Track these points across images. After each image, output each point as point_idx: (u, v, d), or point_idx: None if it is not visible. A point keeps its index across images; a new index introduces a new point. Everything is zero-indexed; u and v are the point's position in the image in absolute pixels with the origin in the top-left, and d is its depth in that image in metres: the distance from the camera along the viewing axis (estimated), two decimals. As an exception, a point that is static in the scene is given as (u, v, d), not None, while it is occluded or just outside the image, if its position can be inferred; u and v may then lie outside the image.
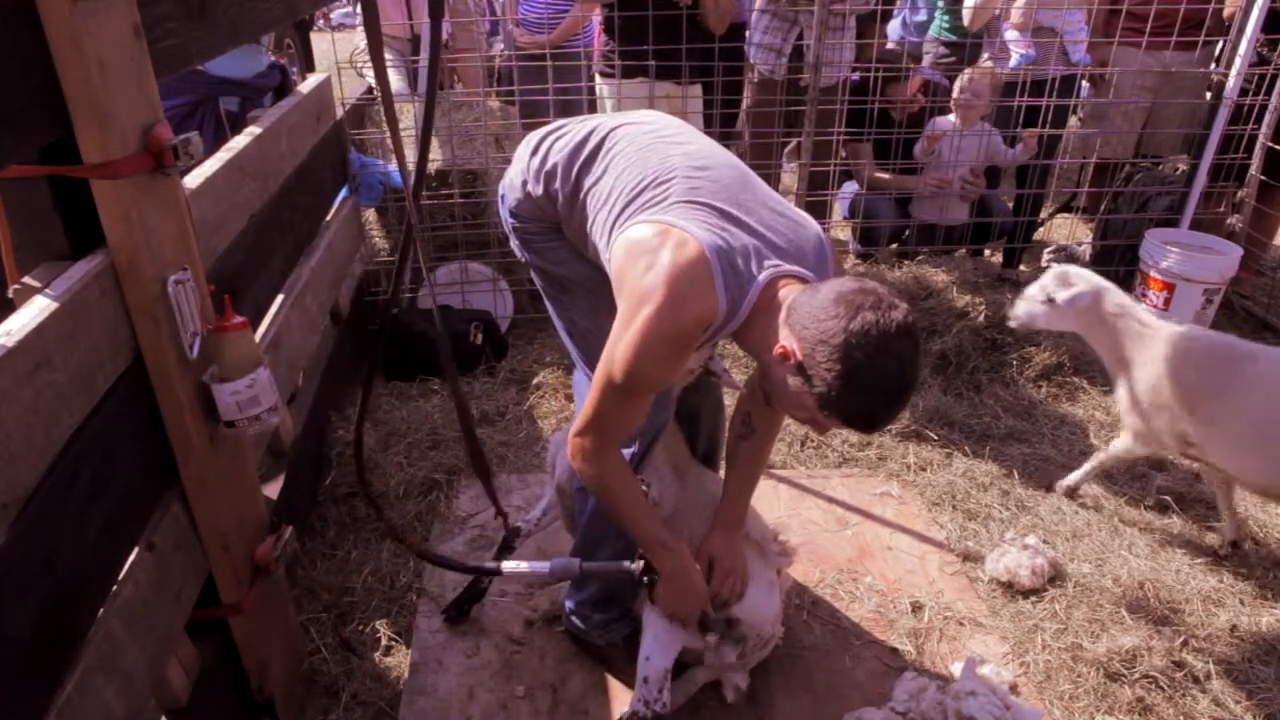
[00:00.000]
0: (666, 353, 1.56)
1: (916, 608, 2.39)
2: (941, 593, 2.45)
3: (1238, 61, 3.81)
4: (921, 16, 5.05)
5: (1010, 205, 4.56)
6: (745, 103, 4.33)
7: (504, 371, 3.60)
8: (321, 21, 8.68)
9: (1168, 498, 2.83)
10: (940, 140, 4.18)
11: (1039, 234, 4.91)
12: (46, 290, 1.23)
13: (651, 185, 1.67)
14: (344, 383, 3.14)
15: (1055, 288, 2.61)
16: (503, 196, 2.02)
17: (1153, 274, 3.77)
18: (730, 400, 2.33)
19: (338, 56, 3.61)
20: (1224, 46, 4.15)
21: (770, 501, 2.81)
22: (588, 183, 1.80)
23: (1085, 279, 2.59)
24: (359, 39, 4.36)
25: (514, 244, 2.05)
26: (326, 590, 2.39)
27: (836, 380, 1.45)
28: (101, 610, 1.32)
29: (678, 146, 1.76)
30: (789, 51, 3.98)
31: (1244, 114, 3.94)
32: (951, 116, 4.29)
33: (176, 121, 2.58)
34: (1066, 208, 5.09)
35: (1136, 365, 2.53)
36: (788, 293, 1.57)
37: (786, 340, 1.52)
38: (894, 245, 4.49)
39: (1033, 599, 2.42)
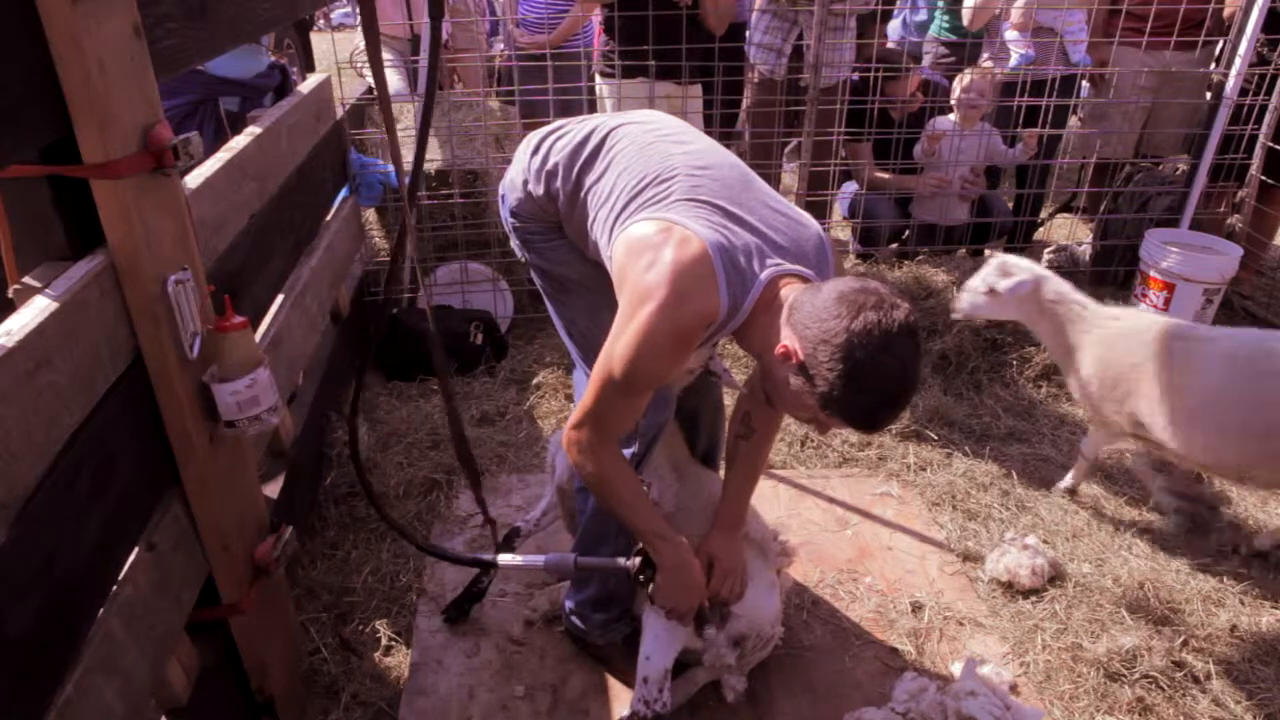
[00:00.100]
0: (667, 350, 1.56)
1: (916, 608, 2.39)
2: (941, 593, 2.45)
3: (1238, 61, 3.80)
4: (921, 16, 5.06)
5: (1010, 205, 4.56)
6: (745, 103, 4.33)
7: (504, 371, 3.60)
8: (321, 21, 8.69)
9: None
10: (940, 140, 4.18)
11: (1039, 234, 4.91)
12: (46, 290, 1.23)
13: (653, 183, 1.67)
14: (344, 383, 3.14)
15: (996, 278, 2.66)
16: (503, 196, 2.02)
17: (1153, 274, 3.77)
18: (730, 400, 2.33)
19: (338, 56, 3.61)
20: (1224, 46, 4.15)
21: (770, 501, 2.81)
22: (589, 181, 1.80)
23: (1025, 268, 2.65)
24: (359, 39, 4.36)
25: (514, 244, 2.05)
26: (326, 590, 2.39)
27: (838, 380, 1.45)
28: (101, 610, 1.32)
29: (679, 146, 1.76)
30: (789, 51, 3.98)
31: (1244, 114, 3.94)
32: (951, 116, 4.30)
33: (176, 121, 2.58)
34: (1066, 208, 5.09)
35: (1080, 350, 2.59)
36: (789, 292, 1.57)
37: (788, 340, 1.52)
38: (894, 245, 4.49)
39: (1033, 599, 2.42)
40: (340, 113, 3.23)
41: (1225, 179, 4.13)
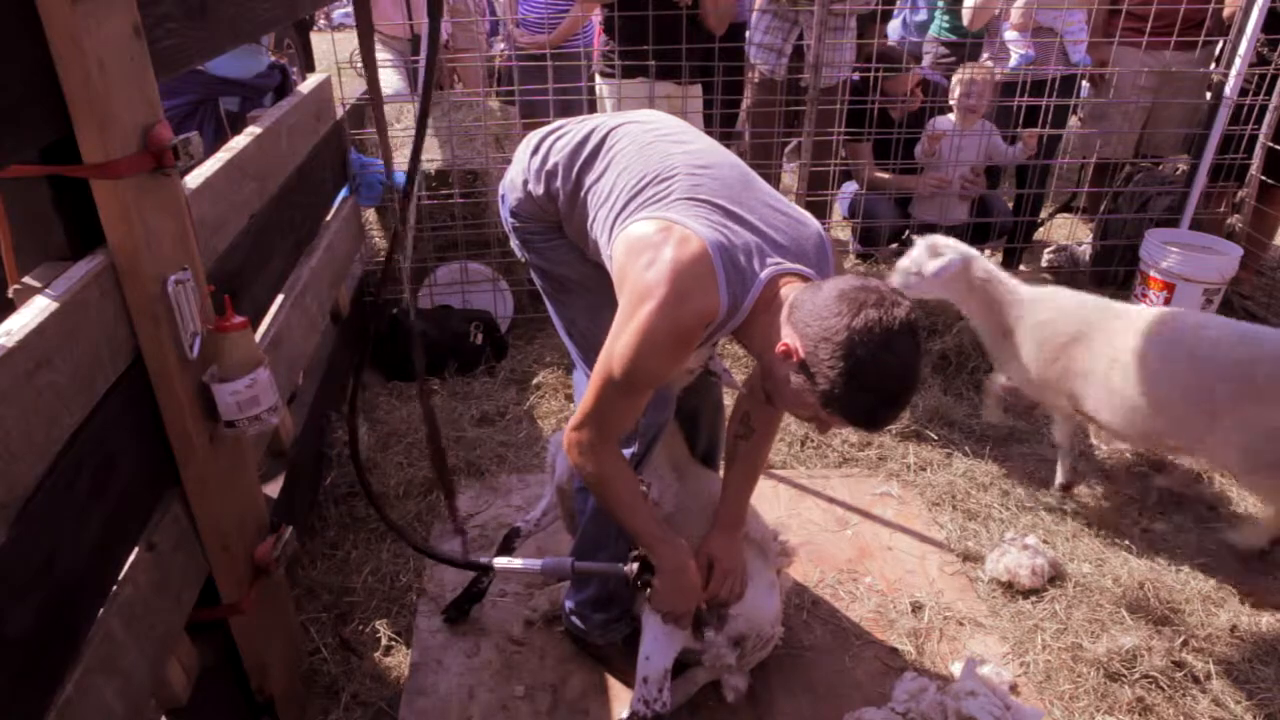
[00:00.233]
0: (667, 349, 1.56)
1: (916, 608, 2.39)
2: (941, 593, 2.45)
3: (1238, 61, 3.80)
4: (921, 16, 5.06)
5: (1010, 205, 4.56)
6: (745, 103, 4.33)
7: (504, 371, 3.60)
8: (322, 21, 8.69)
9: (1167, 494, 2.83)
10: (941, 140, 4.18)
11: (1039, 234, 4.91)
12: (46, 290, 1.23)
13: (653, 183, 1.67)
14: (344, 383, 3.14)
15: (925, 259, 2.70)
16: (503, 196, 2.02)
17: (1153, 274, 3.77)
18: (730, 400, 2.33)
19: (338, 56, 3.62)
20: (1224, 46, 4.15)
21: (770, 501, 2.81)
22: (589, 180, 1.80)
23: (953, 248, 2.69)
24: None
25: (514, 244, 2.05)
26: (326, 590, 2.39)
27: (839, 378, 1.45)
28: (101, 610, 1.32)
29: (679, 145, 1.76)
30: (789, 51, 3.98)
31: (1244, 114, 3.94)
32: (951, 116, 4.29)
33: (176, 121, 2.58)
34: (1066, 208, 5.09)
35: (1017, 331, 2.64)
36: (789, 290, 1.57)
37: (789, 338, 1.52)
38: (894, 245, 4.48)
39: (1033, 599, 2.42)
40: (340, 113, 3.23)
41: (1225, 179, 4.13)
